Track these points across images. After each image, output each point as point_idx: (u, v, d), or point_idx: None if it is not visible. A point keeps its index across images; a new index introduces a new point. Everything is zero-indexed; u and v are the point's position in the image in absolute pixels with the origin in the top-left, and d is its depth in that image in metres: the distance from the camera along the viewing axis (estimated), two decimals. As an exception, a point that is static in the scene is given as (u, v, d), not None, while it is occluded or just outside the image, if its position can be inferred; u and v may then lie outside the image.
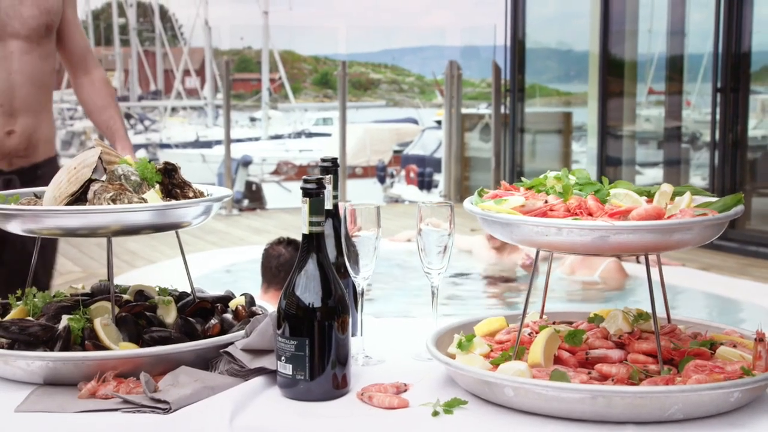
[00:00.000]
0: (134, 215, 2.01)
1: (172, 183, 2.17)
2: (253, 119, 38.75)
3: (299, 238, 2.03)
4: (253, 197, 19.31)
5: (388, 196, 20.53)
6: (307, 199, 1.93)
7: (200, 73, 46.00)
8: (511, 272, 7.21)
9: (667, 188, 1.93)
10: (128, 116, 34.82)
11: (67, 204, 2.05)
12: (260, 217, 12.32)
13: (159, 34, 45.73)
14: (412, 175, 21.24)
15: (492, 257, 7.12)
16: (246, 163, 21.96)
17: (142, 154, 25.56)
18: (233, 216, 12.41)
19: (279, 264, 5.37)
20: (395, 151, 25.84)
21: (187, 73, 44.20)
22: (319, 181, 1.94)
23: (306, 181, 1.94)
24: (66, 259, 8.60)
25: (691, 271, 7.44)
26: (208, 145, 28.76)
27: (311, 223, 1.94)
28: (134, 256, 8.87)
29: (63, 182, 2.05)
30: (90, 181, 2.06)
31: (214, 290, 2.41)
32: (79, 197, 2.06)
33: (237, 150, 23.09)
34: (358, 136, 24.98)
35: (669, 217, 1.85)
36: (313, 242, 1.95)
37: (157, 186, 2.14)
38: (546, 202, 1.93)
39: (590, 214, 1.88)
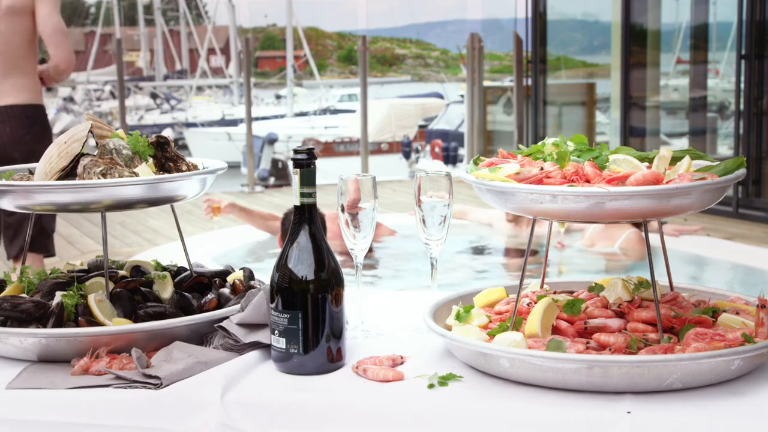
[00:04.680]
0: (125, 189, 1.98)
1: (165, 156, 2.14)
2: (278, 97, 38.74)
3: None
4: (279, 174, 19.32)
5: (413, 172, 20.44)
6: (298, 170, 1.90)
7: (225, 51, 45.94)
8: (533, 244, 7.15)
9: (666, 153, 1.88)
10: (154, 96, 34.90)
11: (58, 179, 2.02)
12: (283, 194, 12.30)
13: (183, 13, 45.71)
14: (437, 150, 21.12)
15: (510, 229, 7.06)
16: (272, 140, 21.93)
17: (168, 133, 25.63)
18: (256, 193, 12.41)
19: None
20: (421, 126, 25.72)
21: (212, 51, 44.20)
22: (310, 152, 1.90)
23: (296, 152, 1.90)
24: (89, 238, 8.63)
25: (715, 241, 7.34)
26: (233, 123, 28.77)
27: (303, 195, 1.91)
28: (156, 234, 8.90)
29: (53, 157, 2.03)
30: (80, 155, 2.03)
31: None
32: (69, 172, 2.03)
33: (263, 128, 23.10)
34: (383, 112, 24.87)
35: (667, 182, 1.80)
36: (305, 214, 1.92)
37: (151, 160, 2.11)
38: (542, 169, 1.88)
39: (587, 181, 1.84)
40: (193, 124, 29.92)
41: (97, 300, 2.02)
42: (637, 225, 6.11)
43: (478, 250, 7.20)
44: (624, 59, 10.95)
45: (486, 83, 14.06)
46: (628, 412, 1.65)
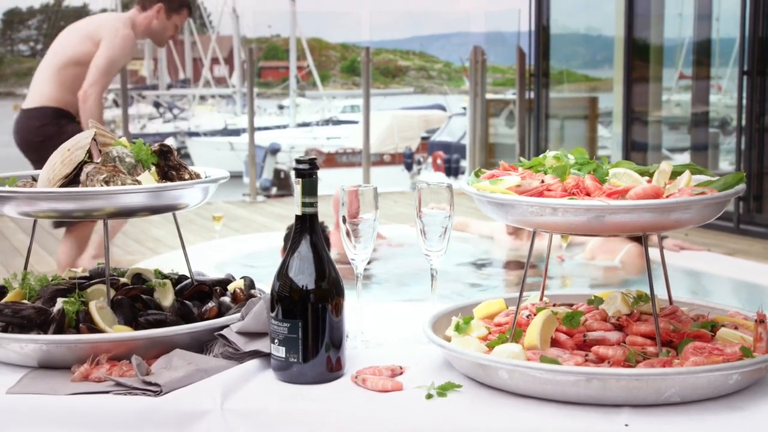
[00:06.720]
0: (127, 197, 1.99)
1: (168, 165, 2.15)
2: (281, 107, 38.81)
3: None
4: (281, 185, 19.33)
5: (415, 183, 20.37)
6: (300, 179, 1.91)
7: (229, 61, 46.07)
8: (533, 257, 7.14)
9: (666, 167, 1.89)
10: (157, 104, 34.94)
11: (61, 186, 2.03)
12: (285, 204, 12.31)
13: (187, 22, 45.81)
14: (438, 161, 21.14)
15: (511, 242, 7.06)
16: (274, 150, 21.98)
17: (170, 142, 25.61)
18: (258, 203, 12.42)
19: None
20: (423, 138, 25.74)
21: (215, 61, 44.32)
22: (312, 162, 1.91)
23: (299, 162, 1.91)
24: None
25: (717, 256, 7.34)
26: (236, 133, 28.82)
27: (304, 204, 1.92)
28: (158, 243, 8.90)
29: (57, 164, 2.04)
30: (84, 162, 2.04)
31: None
32: (73, 179, 2.04)
33: (265, 138, 23.12)
34: (385, 123, 24.90)
35: (668, 197, 1.81)
36: (306, 223, 1.93)
37: (153, 168, 2.12)
38: (543, 182, 1.89)
39: (588, 194, 1.85)
40: (196, 134, 29.96)
41: (98, 307, 2.02)
42: (637, 239, 6.10)
43: (479, 263, 7.21)
44: (626, 74, 10.97)
45: (488, 96, 14.06)
46: (626, 425, 1.66)
